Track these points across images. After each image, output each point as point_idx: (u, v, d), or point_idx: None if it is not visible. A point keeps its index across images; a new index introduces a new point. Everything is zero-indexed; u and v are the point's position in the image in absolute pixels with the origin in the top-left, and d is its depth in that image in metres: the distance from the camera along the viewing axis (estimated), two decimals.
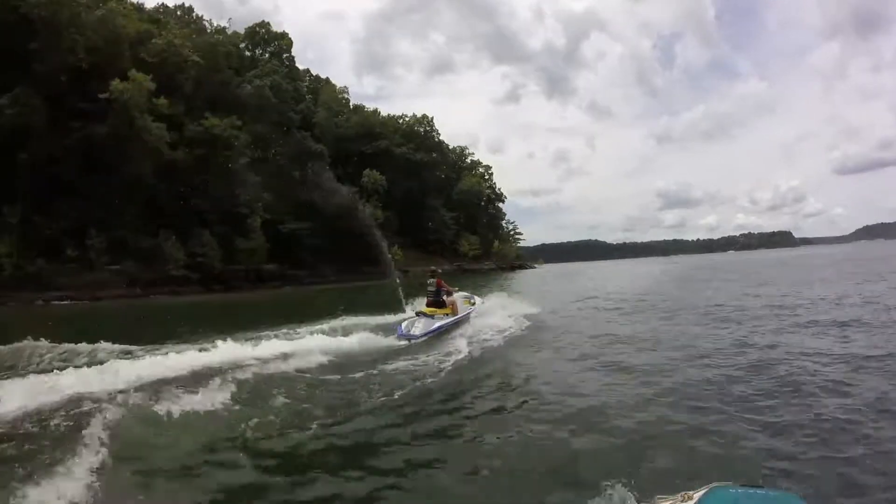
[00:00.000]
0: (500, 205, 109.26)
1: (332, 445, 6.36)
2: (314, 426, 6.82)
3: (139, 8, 59.94)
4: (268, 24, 76.53)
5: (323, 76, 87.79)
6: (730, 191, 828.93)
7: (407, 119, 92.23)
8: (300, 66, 79.15)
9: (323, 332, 13.41)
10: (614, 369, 9.86)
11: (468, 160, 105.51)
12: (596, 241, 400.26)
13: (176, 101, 51.70)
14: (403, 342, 12.76)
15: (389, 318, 16.25)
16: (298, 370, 9.60)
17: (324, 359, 10.42)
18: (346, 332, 13.61)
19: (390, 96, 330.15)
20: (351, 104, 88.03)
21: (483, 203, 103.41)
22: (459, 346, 11.83)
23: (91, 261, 43.42)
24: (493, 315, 16.21)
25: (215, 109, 55.09)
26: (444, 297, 15.56)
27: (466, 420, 7.43)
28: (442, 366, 10.15)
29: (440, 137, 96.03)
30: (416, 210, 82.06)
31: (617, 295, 26.40)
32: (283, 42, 76.74)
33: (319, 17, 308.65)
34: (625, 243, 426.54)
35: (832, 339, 11.51)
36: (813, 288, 24.26)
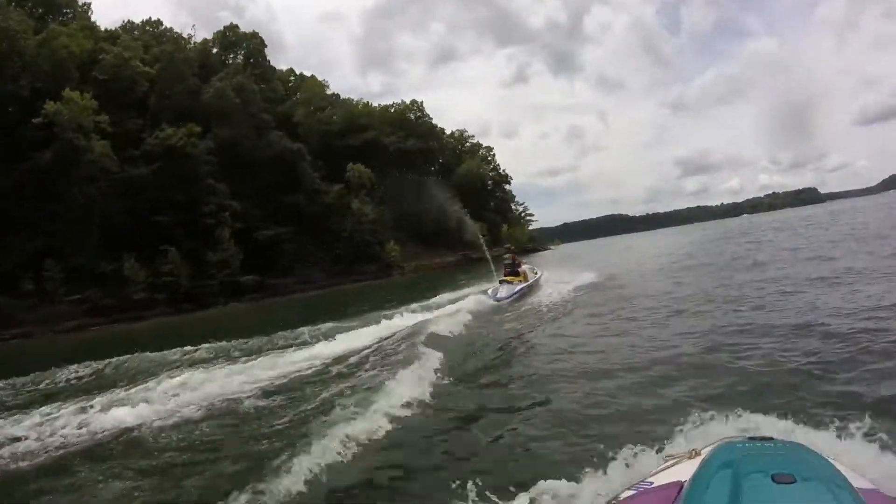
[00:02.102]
0: (508, 187, 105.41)
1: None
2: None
3: (91, 27, 58.11)
4: (236, 26, 74.76)
5: (326, 78, 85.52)
6: (750, 152, 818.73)
7: (396, 107, 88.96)
8: (306, 72, 77.41)
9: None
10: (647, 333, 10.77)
11: (468, 144, 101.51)
12: (619, 214, 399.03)
13: (132, 117, 50.14)
14: (495, 303, 17.52)
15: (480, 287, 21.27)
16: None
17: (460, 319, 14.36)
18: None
19: (397, 91, 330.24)
20: (357, 100, 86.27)
21: (489, 186, 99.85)
22: (536, 303, 17.38)
23: (49, 293, 41.23)
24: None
25: (183, 119, 53.05)
26: (518, 269, 20.56)
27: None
28: (526, 315, 15.39)
29: (434, 122, 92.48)
30: (412, 200, 78.70)
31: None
32: (253, 42, 74.62)
33: (318, 20, 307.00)
34: (647, 215, 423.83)
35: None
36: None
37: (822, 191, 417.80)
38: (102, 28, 60.42)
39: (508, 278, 19.79)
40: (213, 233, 50.16)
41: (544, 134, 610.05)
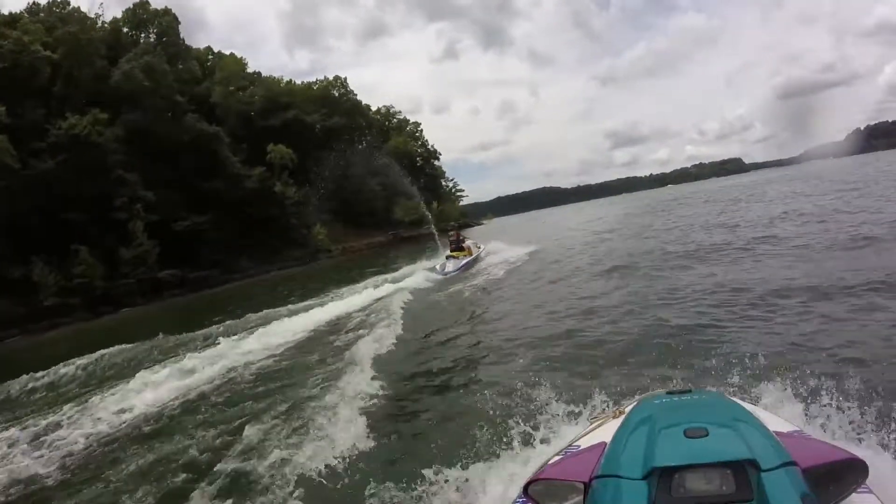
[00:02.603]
0: (437, 163, 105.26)
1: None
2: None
3: None
4: (146, 2, 70.33)
5: (253, 57, 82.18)
6: (678, 125, 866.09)
7: (319, 84, 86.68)
8: (233, 51, 73.63)
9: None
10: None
11: (394, 120, 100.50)
12: (551, 187, 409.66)
13: (35, 106, 47.10)
14: (442, 276, 20.35)
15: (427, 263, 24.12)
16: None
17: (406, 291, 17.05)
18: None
19: (325, 69, 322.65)
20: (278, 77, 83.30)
21: (419, 163, 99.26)
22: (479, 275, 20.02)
23: None
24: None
25: (93, 106, 50.22)
26: (463, 245, 23.93)
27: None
28: (473, 287, 17.62)
29: (360, 99, 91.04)
30: (339, 181, 77.01)
31: None
32: (165, 19, 70.87)
33: None
34: (579, 186, 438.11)
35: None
36: None
37: (747, 161, 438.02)
38: (6, 12, 56.33)
39: (454, 254, 23.01)
40: (126, 227, 47.74)
41: (476, 109, 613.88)
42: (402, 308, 14.22)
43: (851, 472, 1.93)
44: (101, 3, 68.05)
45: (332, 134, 78.43)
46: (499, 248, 25.47)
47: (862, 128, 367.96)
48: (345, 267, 42.33)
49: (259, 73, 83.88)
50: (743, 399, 2.92)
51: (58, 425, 8.56)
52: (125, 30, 67.36)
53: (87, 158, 46.13)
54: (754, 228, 19.36)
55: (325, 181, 73.69)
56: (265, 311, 17.32)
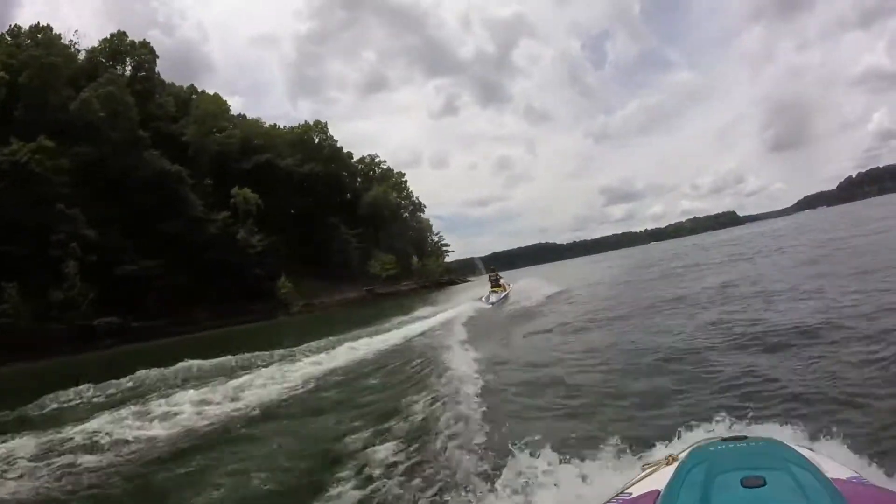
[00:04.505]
0: (422, 215, 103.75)
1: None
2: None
3: None
4: (124, 33, 70.20)
5: (255, 104, 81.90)
6: (672, 179, 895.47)
7: (297, 128, 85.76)
8: (236, 97, 73.15)
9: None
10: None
11: (378, 170, 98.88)
12: (547, 243, 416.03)
13: None
14: (489, 305, 26.61)
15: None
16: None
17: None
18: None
19: (327, 120, 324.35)
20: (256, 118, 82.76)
21: (406, 215, 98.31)
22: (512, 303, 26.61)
23: None
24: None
25: (56, 134, 48.88)
26: (500, 282, 31.10)
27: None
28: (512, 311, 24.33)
29: (341, 145, 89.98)
30: (311, 231, 74.93)
31: None
32: (142, 52, 70.28)
33: (250, 43, 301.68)
34: (575, 242, 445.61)
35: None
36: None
37: (741, 213, 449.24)
38: None
39: (495, 289, 30.24)
40: (60, 266, 45.06)
41: (473, 164, 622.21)
42: (471, 318, 21.99)
43: None
44: (76, 31, 66.92)
45: (306, 180, 76.72)
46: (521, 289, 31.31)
47: (854, 175, 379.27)
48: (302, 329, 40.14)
49: (243, 116, 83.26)
50: (800, 446, 2.83)
51: None
52: (101, 60, 66.49)
53: (27, 188, 43.99)
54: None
55: (297, 230, 71.83)
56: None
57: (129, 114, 57.79)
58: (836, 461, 2.68)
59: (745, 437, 2.59)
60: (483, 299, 28.12)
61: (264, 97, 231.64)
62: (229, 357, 16.05)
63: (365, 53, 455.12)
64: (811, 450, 3.01)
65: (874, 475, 3.01)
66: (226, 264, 59.05)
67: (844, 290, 13.09)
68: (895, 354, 7.44)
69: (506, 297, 28.45)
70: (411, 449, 6.78)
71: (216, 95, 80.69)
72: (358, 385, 11.61)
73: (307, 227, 74.01)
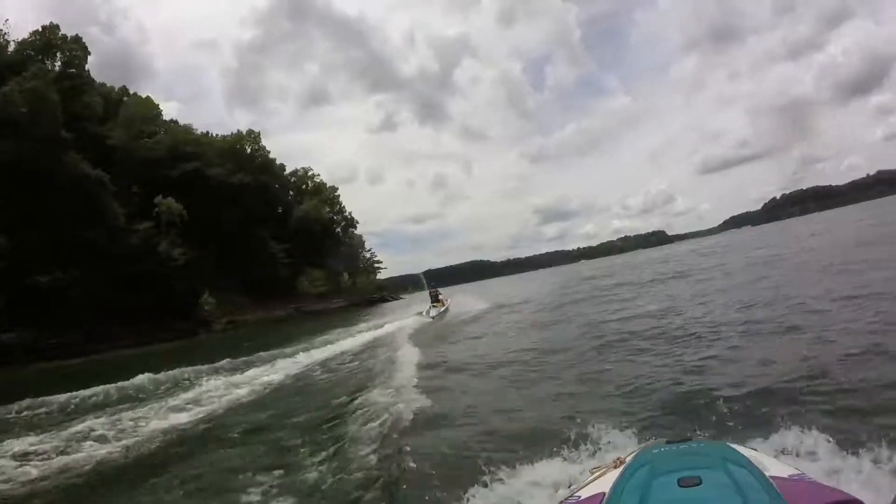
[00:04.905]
0: (354, 231, 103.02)
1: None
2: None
3: None
4: (56, 26, 66.34)
5: (192, 111, 79.01)
6: (604, 200, 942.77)
7: (230, 137, 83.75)
8: (173, 103, 70.29)
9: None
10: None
11: (310, 183, 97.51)
12: (482, 260, 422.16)
13: None
14: (430, 318, 29.53)
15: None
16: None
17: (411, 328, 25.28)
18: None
19: (265, 131, 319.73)
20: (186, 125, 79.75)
21: (338, 231, 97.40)
22: (452, 316, 30.28)
23: None
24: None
25: None
26: (440, 298, 34.98)
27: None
28: (451, 322, 27.98)
29: (273, 156, 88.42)
30: (240, 245, 72.92)
31: None
32: (73, 47, 66.88)
33: (192, 47, 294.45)
34: (509, 260, 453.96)
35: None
36: None
37: (670, 232, 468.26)
38: None
39: (435, 304, 33.72)
40: None
41: (411, 181, 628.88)
42: (412, 333, 23.09)
43: None
44: (7, 20, 63.03)
45: (236, 192, 74.64)
46: (459, 303, 35.63)
47: (778, 196, 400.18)
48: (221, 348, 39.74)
49: (176, 122, 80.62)
50: (745, 446, 2.94)
51: None
52: (31, 53, 62.79)
53: None
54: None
55: (224, 243, 69.77)
56: None
57: (53, 112, 55.02)
58: (779, 459, 2.78)
59: (689, 439, 2.72)
60: (424, 313, 31.48)
61: (203, 104, 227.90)
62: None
63: (308, 65, 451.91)
64: (755, 449, 3.08)
65: (818, 474, 3.08)
66: (147, 278, 56.76)
67: (766, 298, 14.66)
68: (860, 352, 7.90)
69: (445, 311, 32.26)
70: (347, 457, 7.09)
71: (147, 98, 77.84)
72: (285, 405, 11.68)
73: (235, 240, 71.98)
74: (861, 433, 4.71)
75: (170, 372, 16.15)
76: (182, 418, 10.88)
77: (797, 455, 4.46)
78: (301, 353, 19.29)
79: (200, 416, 11.08)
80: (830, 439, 4.57)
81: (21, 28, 76.54)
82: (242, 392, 13.16)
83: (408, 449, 6.82)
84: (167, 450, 9.15)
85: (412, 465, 6.32)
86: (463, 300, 36.71)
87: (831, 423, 5.10)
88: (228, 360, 18.43)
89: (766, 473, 2.05)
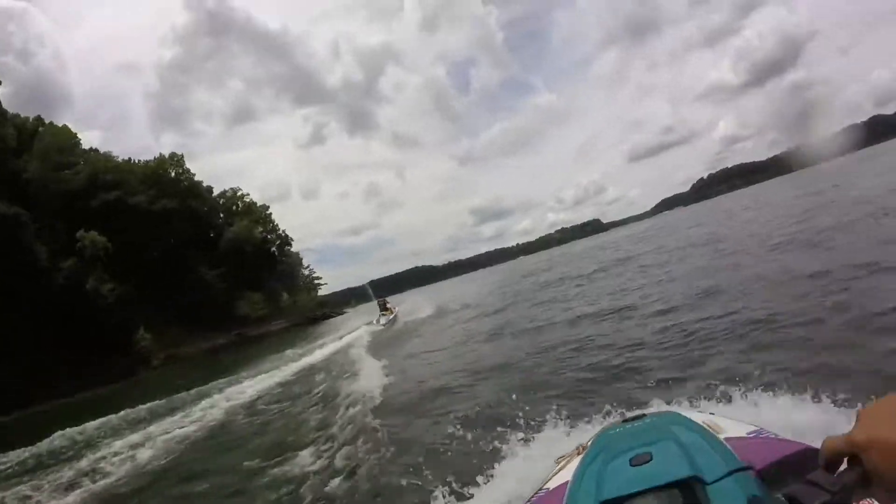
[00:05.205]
0: (290, 249, 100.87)
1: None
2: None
3: None
4: None
5: (115, 139, 75.78)
6: (538, 195, 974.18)
7: (151, 162, 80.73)
8: (95, 131, 67.03)
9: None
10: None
11: (240, 204, 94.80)
12: (423, 266, 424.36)
13: None
14: (381, 326, 31.50)
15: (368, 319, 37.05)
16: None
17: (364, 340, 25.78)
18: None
19: (192, 154, 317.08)
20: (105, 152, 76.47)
21: (273, 250, 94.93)
22: (400, 323, 31.75)
23: None
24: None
25: None
26: (388, 306, 37.68)
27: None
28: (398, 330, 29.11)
29: (199, 179, 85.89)
30: (170, 273, 70.45)
31: None
32: None
33: (111, 71, 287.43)
34: (451, 262, 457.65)
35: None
36: None
37: (605, 221, 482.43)
38: None
39: (384, 312, 36.22)
40: None
41: (344, 193, 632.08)
42: (368, 341, 24.80)
43: (807, 460, 1.97)
44: None
45: (162, 219, 72.12)
46: (406, 310, 38.28)
47: (705, 176, 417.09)
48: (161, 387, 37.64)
49: (96, 150, 77.46)
50: (700, 412, 3.02)
51: None
52: None
53: None
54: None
55: (154, 273, 67.35)
56: None
57: None
58: (737, 419, 2.79)
59: (643, 416, 2.69)
60: (375, 322, 33.87)
61: (126, 130, 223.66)
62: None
63: (231, 82, 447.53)
64: (712, 413, 3.13)
65: (776, 427, 3.05)
66: (76, 319, 54.31)
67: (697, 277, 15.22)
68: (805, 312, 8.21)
69: (394, 318, 34.40)
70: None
71: (64, 127, 74.17)
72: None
73: (166, 269, 69.57)
74: (811, 384, 4.77)
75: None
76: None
77: (755, 412, 4.49)
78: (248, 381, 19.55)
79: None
80: (784, 394, 4.68)
81: None
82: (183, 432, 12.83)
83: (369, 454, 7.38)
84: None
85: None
86: (409, 308, 39.13)
87: (786, 379, 5.24)
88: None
89: (722, 435, 2.08)
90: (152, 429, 13.75)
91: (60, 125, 74.30)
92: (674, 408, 4.81)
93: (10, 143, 63.56)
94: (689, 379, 6.53)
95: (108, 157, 76.42)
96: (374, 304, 62.64)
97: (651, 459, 1.86)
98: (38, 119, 74.28)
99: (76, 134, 74.80)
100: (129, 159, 79.94)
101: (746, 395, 4.87)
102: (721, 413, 3.42)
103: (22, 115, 72.08)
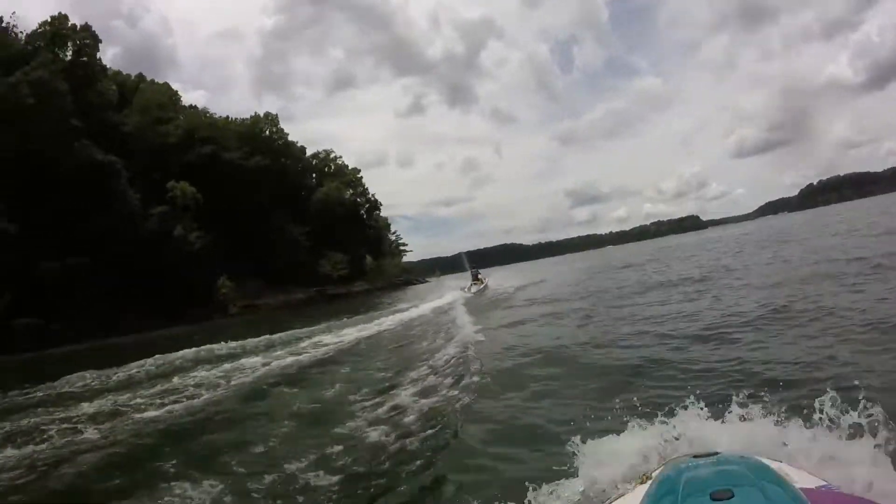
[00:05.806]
0: (379, 213, 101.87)
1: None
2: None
3: None
4: (65, 16, 66.23)
5: (219, 100, 78.92)
6: (636, 183, 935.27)
7: (247, 120, 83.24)
8: (200, 91, 70.51)
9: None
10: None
11: (332, 166, 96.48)
12: (513, 244, 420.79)
13: None
14: (471, 294, 35.25)
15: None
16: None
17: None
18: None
19: (292, 117, 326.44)
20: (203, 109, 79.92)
21: (362, 213, 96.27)
22: (491, 292, 36.23)
23: None
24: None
25: None
26: (479, 276, 41.52)
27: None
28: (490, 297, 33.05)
29: (293, 139, 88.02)
30: (257, 229, 72.17)
31: None
32: (83, 36, 66.45)
33: (215, 37, 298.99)
34: (540, 243, 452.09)
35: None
36: None
37: (704, 218, 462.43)
38: None
39: (475, 282, 39.52)
40: None
41: (440, 164, 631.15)
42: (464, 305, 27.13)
43: None
44: (13, 13, 62.97)
45: (254, 175, 74.15)
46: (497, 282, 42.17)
47: (815, 183, 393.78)
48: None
49: (195, 107, 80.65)
50: (771, 459, 2.89)
51: None
52: (41, 44, 62.72)
53: None
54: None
55: (242, 227, 69.09)
56: None
57: (61, 101, 54.72)
58: (806, 471, 2.78)
59: (717, 454, 2.61)
60: (466, 289, 37.14)
61: (229, 93, 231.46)
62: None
63: (332, 51, 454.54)
64: (779, 461, 2.99)
65: (844, 484, 2.95)
66: (160, 263, 56.44)
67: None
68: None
69: (485, 287, 38.35)
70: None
71: (164, 84, 78.11)
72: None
73: (253, 225, 71.49)
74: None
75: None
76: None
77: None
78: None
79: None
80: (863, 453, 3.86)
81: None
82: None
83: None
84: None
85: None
86: (499, 280, 42.97)
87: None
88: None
89: (796, 486, 2.02)
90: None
91: (161, 83, 77.31)
92: (745, 450, 4.27)
93: (111, 99, 66.96)
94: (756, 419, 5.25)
95: (204, 113, 79.30)
96: (457, 276, 63.63)
97: (733, 497, 1.79)
98: (140, 76, 77.66)
99: (176, 91, 78.49)
100: (227, 117, 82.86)
101: (814, 447, 4.11)
102: (788, 461, 3.24)
103: (124, 73, 75.35)
